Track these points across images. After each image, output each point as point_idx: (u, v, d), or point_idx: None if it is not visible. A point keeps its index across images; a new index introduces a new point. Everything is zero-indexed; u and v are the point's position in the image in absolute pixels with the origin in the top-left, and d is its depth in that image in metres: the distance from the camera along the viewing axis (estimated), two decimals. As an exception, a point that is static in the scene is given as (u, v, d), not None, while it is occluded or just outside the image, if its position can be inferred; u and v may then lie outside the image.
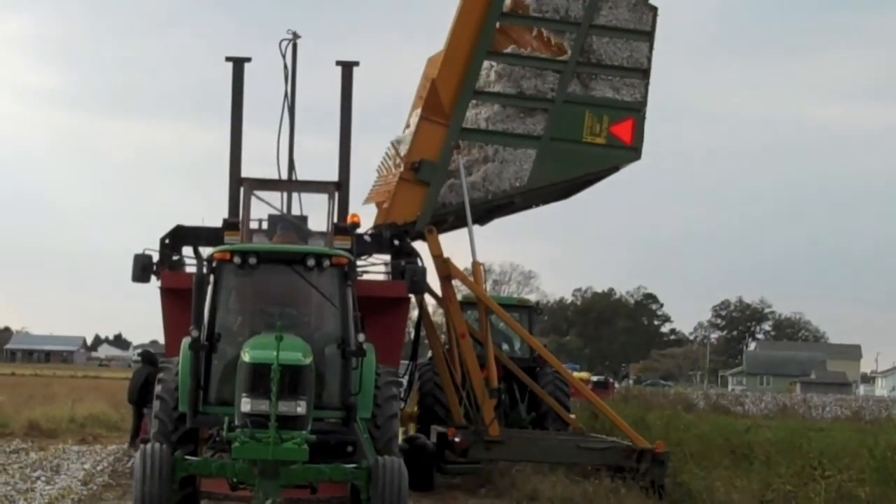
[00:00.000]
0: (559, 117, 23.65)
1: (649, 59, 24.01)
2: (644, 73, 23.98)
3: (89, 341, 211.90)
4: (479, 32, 23.31)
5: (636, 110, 23.97)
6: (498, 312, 24.38)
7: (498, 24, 23.67)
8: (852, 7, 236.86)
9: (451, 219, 23.93)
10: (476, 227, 23.92)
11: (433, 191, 23.05)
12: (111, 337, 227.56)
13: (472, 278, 23.71)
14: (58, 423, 35.32)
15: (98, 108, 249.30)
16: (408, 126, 24.86)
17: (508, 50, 23.85)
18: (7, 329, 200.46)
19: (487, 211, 24.71)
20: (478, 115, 23.79)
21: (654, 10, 24.03)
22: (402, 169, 23.17)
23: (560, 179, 24.21)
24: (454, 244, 23.94)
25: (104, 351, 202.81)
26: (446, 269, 23.30)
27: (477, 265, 23.55)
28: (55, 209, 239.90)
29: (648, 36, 24.02)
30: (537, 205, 25.65)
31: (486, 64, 23.62)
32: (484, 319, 24.00)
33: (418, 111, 23.94)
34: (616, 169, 24.50)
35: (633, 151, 24.14)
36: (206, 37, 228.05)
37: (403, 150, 23.45)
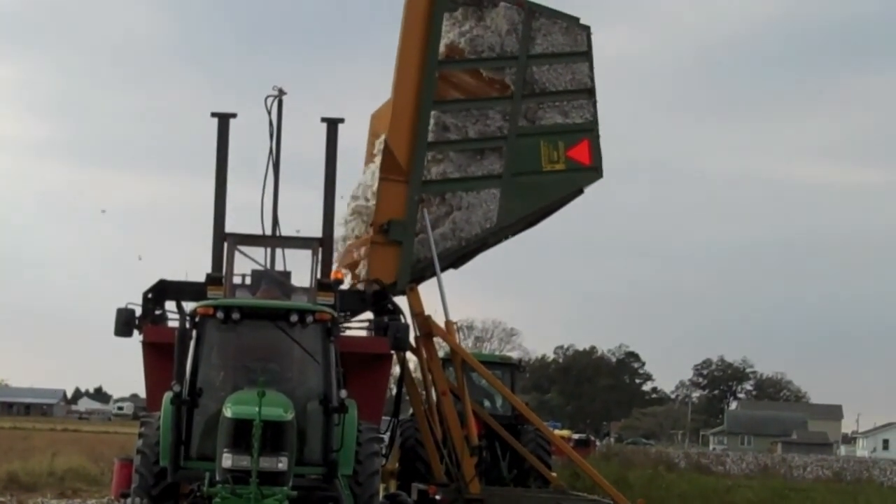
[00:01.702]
0: (515, 152, 23.80)
1: (592, 78, 24.28)
2: (589, 92, 24.24)
3: (69, 394, 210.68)
4: (420, 85, 23.36)
5: (589, 130, 24.21)
6: (479, 370, 24.38)
7: (437, 73, 23.75)
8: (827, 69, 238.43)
9: (428, 273, 23.97)
10: (453, 273, 23.98)
11: (406, 249, 23.09)
12: (91, 390, 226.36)
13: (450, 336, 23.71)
14: (37, 476, 35.12)
15: (80, 161, 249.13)
16: (359, 186, 24.79)
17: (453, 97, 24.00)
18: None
19: (462, 256, 24.77)
20: (435, 168, 23.90)
21: (587, 29, 24.35)
22: (370, 234, 23.23)
23: (528, 212, 24.36)
24: (427, 298, 23.95)
25: (84, 404, 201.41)
26: (427, 327, 23.31)
27: (450, 323, 23.59)
28: (35, 261, 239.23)
29: (586, 55, 24.31)
30: (508, 237, 25.59)
31: (434, 114, 23.73)
32: (461, 376, 23.98)
33: (372, 167, 24.08)
34: (581, 191, 24.65)
35: (593, 171, 24.36)
36: (191, 91, 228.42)
37: (354, 206, 23.50)
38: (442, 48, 23.86)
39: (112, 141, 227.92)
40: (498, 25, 24.03)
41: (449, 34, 24.03)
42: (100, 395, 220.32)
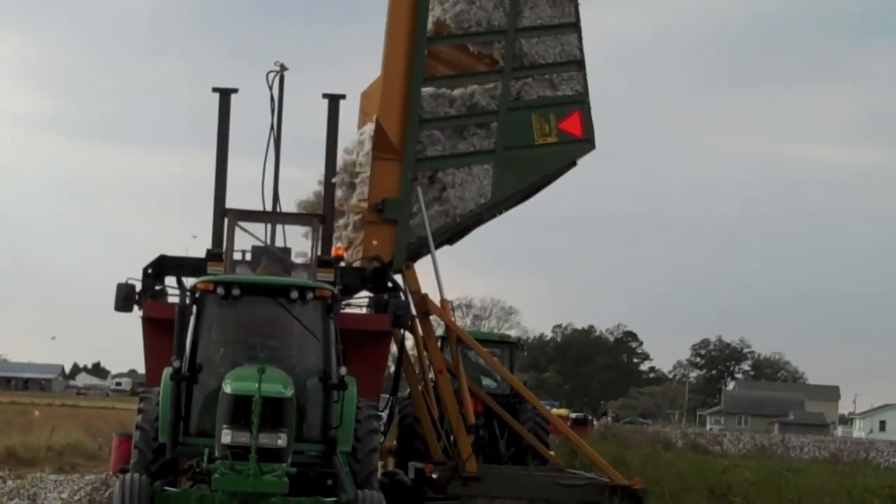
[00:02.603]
0: (507, 126, 23.71)
1: (581, 49, 24.14)
2: (579, 63, 24.12)
3: (67, 369, 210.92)
4: (410, 62, 23.23)
5: (580, 102, 24.11)
6: (475, 348, 24.39)
7: (426, 50, 23.64)
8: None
9: (424, 251, 23.94)
10: (450, 251, 23.93)
11: (402, 227, 23.04)
12: (90, 366, 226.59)
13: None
14: (35, 451, 35.16)
15: (81, 136, 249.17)
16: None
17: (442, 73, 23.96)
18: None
19: (457, 233, 24.75)
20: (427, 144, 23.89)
21: (575, 0, 24.21)
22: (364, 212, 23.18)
23: (522, 186, 24.28)
24: (423, 276, 23.93)
25: (82, 380, 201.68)
26: (424, 306, 23.29)
27: (445, 301, 23.59)
28: (36, 237, 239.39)
29: (575, 27, 24.17)
30: (502, 212, 25.51)
31: (425, 92, 23.69)
32: (457, 355, 23.99)
33: (364, 134, 24.04)
34: (574, 164, 24.61)
35: (586, 143, 24.27)
36: (190, 64, 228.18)
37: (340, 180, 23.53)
38: (429, 25, 23.78)
39: (111, 115, 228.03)
40: (484, 0, 23.95)
41: (435, 10, 23.96)
42: (98, 370, 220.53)
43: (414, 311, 22.93)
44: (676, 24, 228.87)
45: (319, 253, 20.82)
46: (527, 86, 24.04)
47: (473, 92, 23.77)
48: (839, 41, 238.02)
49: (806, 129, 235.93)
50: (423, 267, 23.67)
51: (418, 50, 23.25)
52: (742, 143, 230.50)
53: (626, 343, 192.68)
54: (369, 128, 23.32)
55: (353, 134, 24.05)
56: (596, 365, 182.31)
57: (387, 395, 24.23)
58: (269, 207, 21.87)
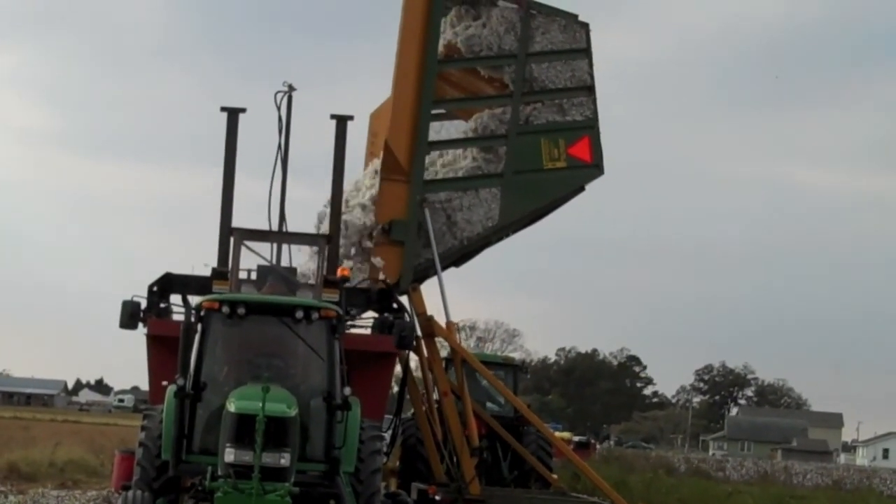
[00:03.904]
0: (516, 150, 23.82)
1: (591, 76, 24.28)
2: (589, 89, 24.25)
3: (70, 385, 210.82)
4: (420, 84, 23.30)
5: (589, 127, 24.21)
6: (480, 370, 24.39)
7: (437, 73, 23.70)
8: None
9: (430, 273, 23.96)
10: (456, 273, 23.95)
11: (409, 249, 23.07)
12: (92, 382, 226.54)
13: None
14: (37, 466, 35.13)
15: (88, 151, 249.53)
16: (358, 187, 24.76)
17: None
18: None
19: (463, 255, 24.78)
20: (435, 166, 23.96)
21: (586, 26, 24.33)
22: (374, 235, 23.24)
23: (530, 210, 24.41)
24: (428, 298, 23.94)
25: (85, 396, 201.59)
26: (430, 327, 23.29)
27: (451, 323, 23.58)
28: (40, 253, 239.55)
29: (585, 52, 24.30)
30: (509, 235, 25.54)
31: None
32: (461, 377, 23.97)
33: (372, 165, 24.10)
34: (582, 189, 24.66)
35: (595, 168, 24.37)
36: (198, 81, 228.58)
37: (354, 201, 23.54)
38: (440, 48, 23.87)
39: (117, 131, 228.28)
40: (496, 24, 24.04)
41: (446, 33, 24.06)
42: (101, 386, 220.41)
43: (419, 333, 22.95)
44: (687, 43, 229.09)
45: (325, 273, 20.84)
46: (536, 110, 24.11)
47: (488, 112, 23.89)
48: (849, 63, 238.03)
49: (810, 153, 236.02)
50: (428, 288, 23.70)
51: (429, 72, 23.32)
52: (745, 167, 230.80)
53: (629, 367, 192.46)
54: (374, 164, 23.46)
55: (360, 157, 24.10)
56: (599, 388, 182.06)
57: (390, 416, 24.23)
58: (275, 227, 21.88)
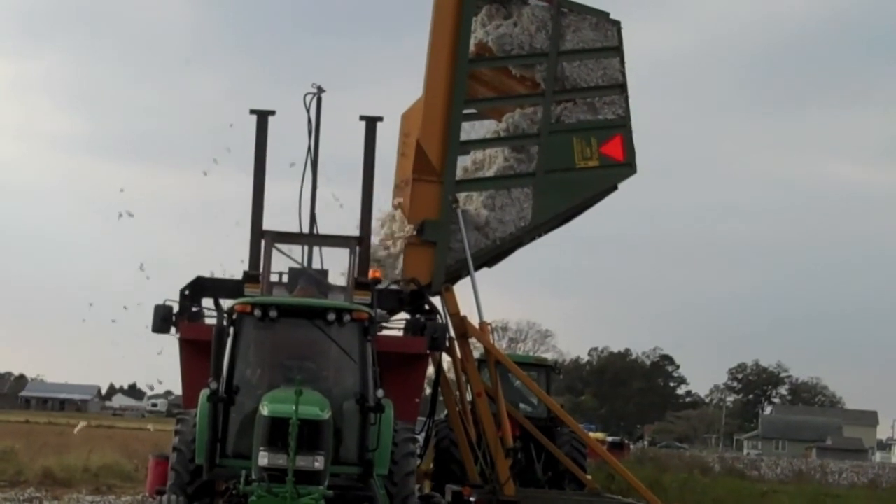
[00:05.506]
0: (548, 149, 23.73)
1: (623, 73, 24.15)
2: (621, 87, 24.12)
3: (104, 391, 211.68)
4: (451, 84, 23.27)
5: (622, 125, 24.07)
6: (514, 371, 24.29)
7: (468, 72, 23.65)
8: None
9: (463, 273, 23.91)
10: (489, 273, 23.89)
11: (441, 249, 23.02)
12: (125, 387, 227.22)
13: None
14: (72, 472, 35.24)
15: (118, 154, 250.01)
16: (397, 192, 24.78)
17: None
18: (22, 376, 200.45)
19: (496, 255, 24.71)
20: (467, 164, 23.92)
21: (617, 24, 24.20)
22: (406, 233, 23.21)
23: (562, 209, 24.28)
24: (462, 299, 23.87)
25: (118, 401, 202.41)
26: (463, 328, 23.23)
27: (484, 324, 23.52)
28: (72, 257, 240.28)
29: (617, 50, 24.17)
30: (541, 235, 25.45)
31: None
32: (495, 377, 23.90)
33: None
34: (615, 188, 24.54)
35: (627, 167, 24.22)
36: (226, 83, 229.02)
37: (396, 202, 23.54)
38: (472, 47, 23.82)
39: (148, 134, 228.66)
40: (527, 23, 23.97)
41: (477, 32, 24.01)
42: (134, 391, 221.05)
43: (452, 334, 22.88)
44: (718, 39, 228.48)
45: (356, 275, 20.80)
46: (567, 109, 24.03)
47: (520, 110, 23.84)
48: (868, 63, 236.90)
49: (839, 148, 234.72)
50: (461, 289, 23.62)
51: (460, 72, 23.29)
52: (779, 163, 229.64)
53: (662, 367, 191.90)
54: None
55: (390, 158, 24.10)
56: (632, 389, 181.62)
57: (423, 418, 24.18)
58: (305, 229, 21.85)
